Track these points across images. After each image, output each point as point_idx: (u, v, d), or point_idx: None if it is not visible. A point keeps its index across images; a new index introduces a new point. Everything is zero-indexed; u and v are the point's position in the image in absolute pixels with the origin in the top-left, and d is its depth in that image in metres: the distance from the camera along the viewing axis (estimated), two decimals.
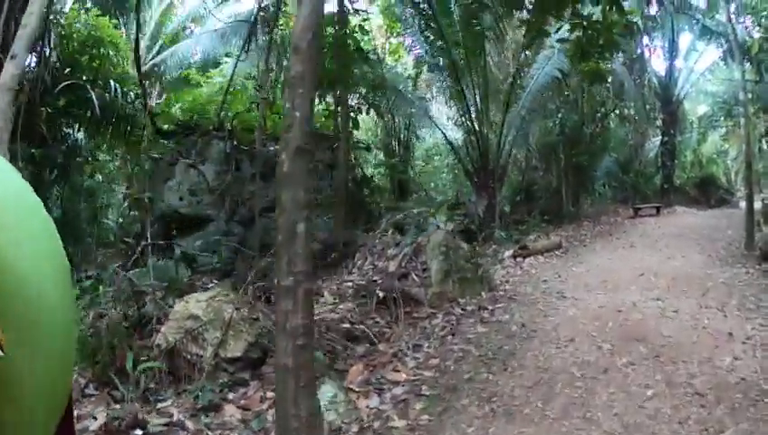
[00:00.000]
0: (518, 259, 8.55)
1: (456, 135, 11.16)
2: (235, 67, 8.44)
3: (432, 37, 10.01)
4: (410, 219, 8.45)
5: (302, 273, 2.68)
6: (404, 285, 6.79)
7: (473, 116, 10.07)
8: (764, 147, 16.25)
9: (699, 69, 16.92)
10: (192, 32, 13.78)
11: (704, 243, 9.45)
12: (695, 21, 13.59)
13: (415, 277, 6.89)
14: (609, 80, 13.15)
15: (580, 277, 7.31)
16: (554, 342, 4.74)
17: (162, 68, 12.20)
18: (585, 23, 5.13)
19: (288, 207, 2.72)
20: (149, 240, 6.16)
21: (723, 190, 18.43)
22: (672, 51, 16.37)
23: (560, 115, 12.05)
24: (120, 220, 10.16)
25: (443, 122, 11.83)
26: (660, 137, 16.29)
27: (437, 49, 10.10)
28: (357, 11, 7.50)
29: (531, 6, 5.98)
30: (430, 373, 4.23)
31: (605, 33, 5.17)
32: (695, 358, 4.16)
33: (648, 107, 16.76)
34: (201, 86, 10.41)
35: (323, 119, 9.06)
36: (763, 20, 10.53)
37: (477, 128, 10.00)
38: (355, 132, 12.57)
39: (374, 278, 6.99)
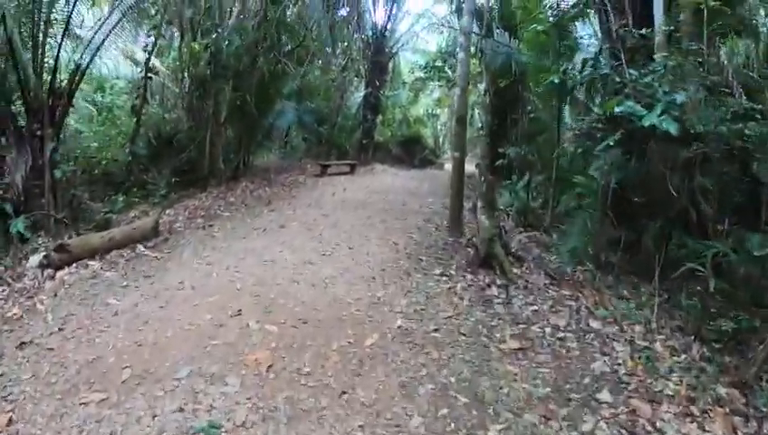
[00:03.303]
0: (47, 272, 4.78)
1: None
2: None
3: None
4: None
5: None
6: None
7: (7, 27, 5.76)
8: (475, 115, 15.20)
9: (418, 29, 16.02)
10: None
11: (393, 219, 6.99)
12: None
13: None
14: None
15: (102, 337, 3.43)
16: None
17: None
18: None
19: None
20: None
21: (428, 151, 18.45)
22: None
23: (213, 37, 8.77)
24: None
25: None
26: (365, 89, 14.84)
27: None
28: None
29: None
30: None
31: None
32: None
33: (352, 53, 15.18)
34: None
35: None
36: None
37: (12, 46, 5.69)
38: None
39: None
